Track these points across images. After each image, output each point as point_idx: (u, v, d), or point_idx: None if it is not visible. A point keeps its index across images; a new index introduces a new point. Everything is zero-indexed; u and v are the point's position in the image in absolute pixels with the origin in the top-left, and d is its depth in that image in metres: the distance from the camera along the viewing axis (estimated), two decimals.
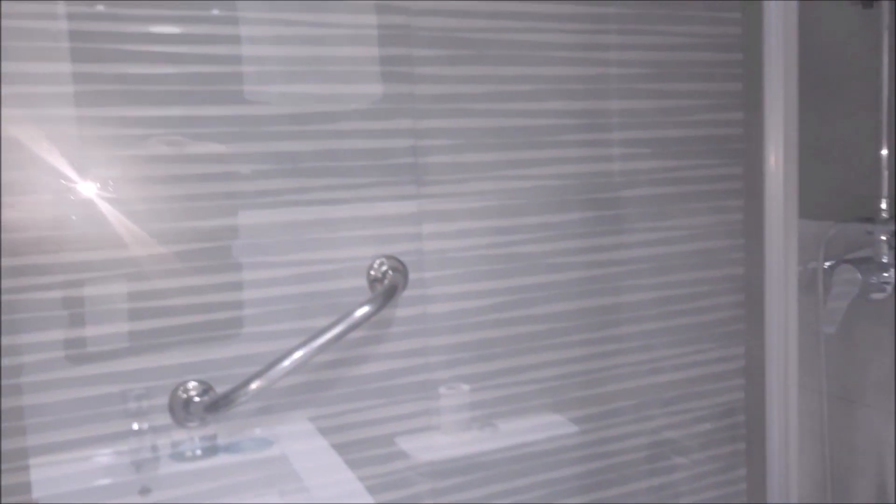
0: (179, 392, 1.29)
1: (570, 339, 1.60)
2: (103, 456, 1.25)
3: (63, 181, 1.19)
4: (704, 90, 1.66)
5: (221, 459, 1.31)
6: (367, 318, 1.28)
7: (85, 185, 1.20)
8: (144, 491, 1.26)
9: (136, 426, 1.26)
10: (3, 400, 1.18)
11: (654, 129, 1.62)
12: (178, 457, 1.30)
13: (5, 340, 1.18)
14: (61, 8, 1.16)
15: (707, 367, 1.77)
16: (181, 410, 1.28)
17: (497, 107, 1.47)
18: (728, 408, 1.81)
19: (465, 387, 1.51)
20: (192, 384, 1.30)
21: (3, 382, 1.18)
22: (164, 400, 1.28)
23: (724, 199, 1.72)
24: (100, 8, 1.18)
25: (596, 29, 1.54)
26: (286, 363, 1.22)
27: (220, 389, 1.30)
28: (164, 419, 1.28)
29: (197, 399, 1.29)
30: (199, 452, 1.31)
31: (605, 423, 1.66)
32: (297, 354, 1.21)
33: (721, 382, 1.79)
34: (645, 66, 1.60)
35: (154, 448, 1.27)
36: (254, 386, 1.20)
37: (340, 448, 1.40)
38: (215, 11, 1.25)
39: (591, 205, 1.58)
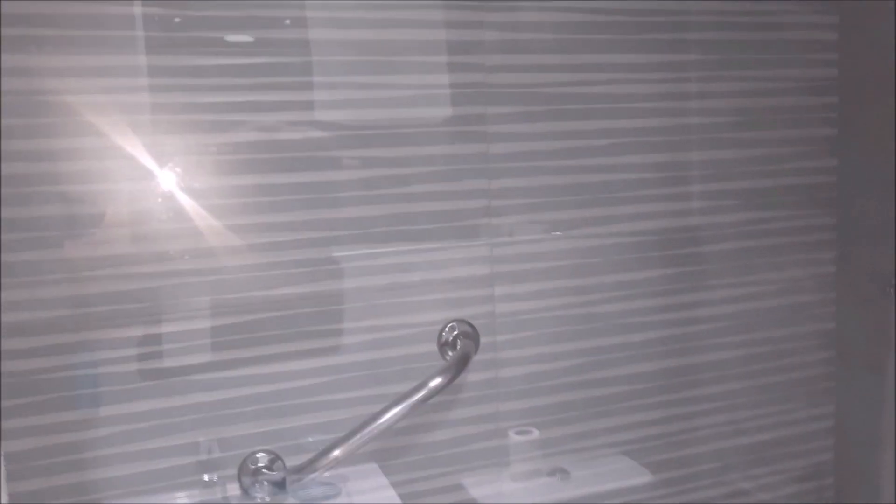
0: (248, 463, 1.27)
1: (649, 402, 1.53)
2: None
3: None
4: (794, 137, 1.56)
5: None
6: (439, 389, 1.23)
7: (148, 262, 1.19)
8: None
9: (206, 498, 1.25)
10: (85, 472, 1.19)
11: (740, 180, 1.53)
12: None
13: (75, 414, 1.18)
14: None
15: (794, 428, 1.67)
16: (249, 481, 1.26)
17: (573, 163, 1.41)
18: (815, 470, 1.70)
19: (539, 452, 1.45)
20: (260, 455, 1.27)
21: (87, 453, 1.19)
22: (232, 471, 1.26)
23: (816, 252, 1.61)
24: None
25: (677, 77, 1.46)
26: (352, 442, 1.19)
27: (290, 459, 1.28)
28: (234, 489, 1.27)
29: (265, 471, 1.27)
30: None
31: (686, 486, 1.58)
32: (360, 436, 1.18)
33: (809, 443, 1.68)
34: (729, 115, 1.51)
35: None
36: (316, 471, 1.18)
37: None
38: (289, 85, 1.23)
39: (671, 261, 1.50)
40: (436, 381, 1.23)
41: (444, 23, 1.30)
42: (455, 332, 1.36)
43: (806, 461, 1.69)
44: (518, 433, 1.44)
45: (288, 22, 1.22)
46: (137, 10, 1.15)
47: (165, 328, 1.21)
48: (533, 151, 1.38)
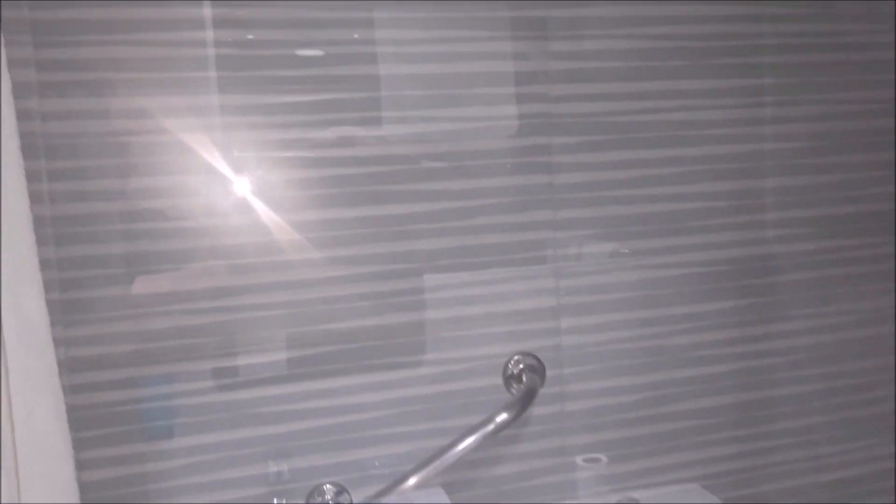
0: (315, 495, 1.27)
1: (721, 436, 1.47)
2: None
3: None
4: (874, 161, 1.50)
5: None
6: (507, 424, 1.22)
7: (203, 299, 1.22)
8: None
9: None
10: None
11: (817, 207, 1.47)
12: None
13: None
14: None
15: (877, 464, 1.59)
16: None
17: (641, 192, 1.38)
18: None
19: (607, 488, 1.42)
20: (327, 486, 1.28)
21: None
22: (300, 501, 1.27)
23: None
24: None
25: (751, 103, 1.41)
26: (418, 475, 1.18)
27: (355, 491, 1.28)
28: None
29: (332, 503, 1.27)
30: None
31: None
32: (423, 473, 1.17)
33: (892, 480, 1.60)
34: (805, 139, 1.45)
35: None
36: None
37: None
38: (357, 120, 1.24)
39: (744, 292, 1.45)
40: (503, 416, 1.22)
41: (509, 54, 1.30)
42: (521, 366, 1.35)
43: (890, 499, 1.60)
44: (586, 461, 1.41)
45: (356, 57, 1.23)
46: (210, 52, 1.18)
47: (234, 361, 1.23)
48: (599, 181, 1.36)
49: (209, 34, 1.18)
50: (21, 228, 0.84)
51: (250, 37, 1.19)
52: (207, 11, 1.17)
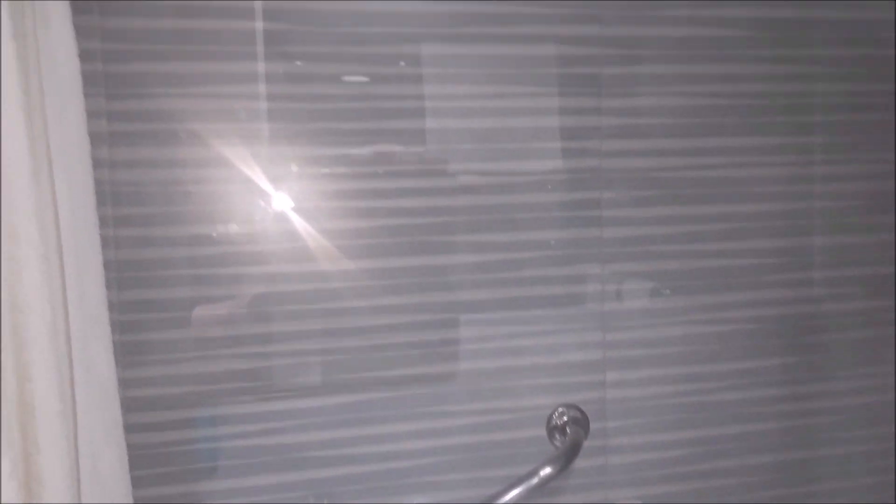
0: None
1: (765, 495, 1.46)
2: None
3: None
4: None
5: None
6: (550, 479, 1.22)
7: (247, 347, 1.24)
8: None
9: None
10: None
11: (866, 266, 1.46)
12: None
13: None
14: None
15: None
16: None
17: (689, 248, 1.38)
18: None
19: None
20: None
21: None
22: None
23: None
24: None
25: (801, 161, 1.41)
26: None
27: None
28: None
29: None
30: None
31: None
32: None
33: None
34: (857, 198, 1.44)
35: None
36: None
37: None
38: (407, 172, 1.27)
39: (792, 350, 1.44)
40: (547, 470, 1.22)
41: (561, 109, 1.31)
42: (565, 418, 1.35)
43: None
44: None
45: (407, 113, 1.26)
46: (263, 105, 1.21)
47: (283, 405, 1.25)
48: (648, 236, 1.36)
49: (262, 87, 1.21)
50: (94, 284, 0.87)
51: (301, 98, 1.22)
52: (261, 66, 1.21)
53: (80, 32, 1.10)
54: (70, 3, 1.03)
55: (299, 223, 1.24)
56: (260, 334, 1.24)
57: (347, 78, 1.23)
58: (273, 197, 1.23)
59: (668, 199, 1.37)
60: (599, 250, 1.35)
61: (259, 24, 1.20)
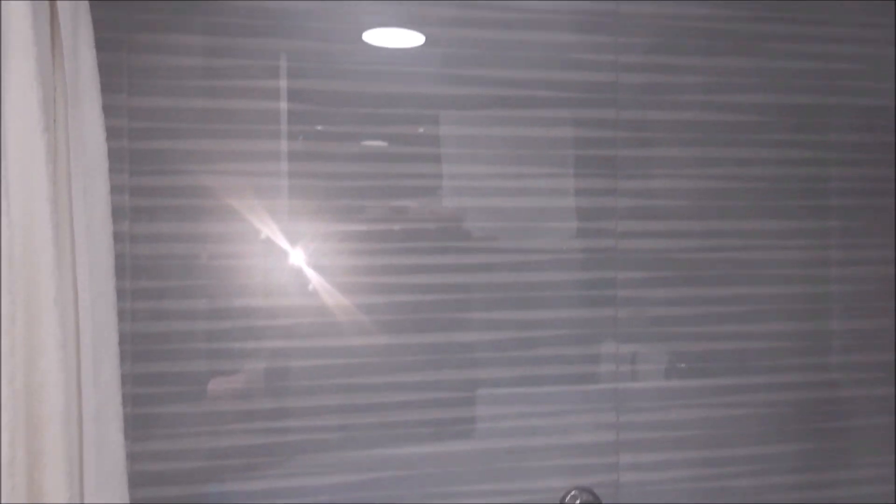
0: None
1: None
2: None
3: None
4: None
5: None
6: None
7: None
8: None
9: None
10: None
11: (885, 351, 1.44)
12: None
13: None
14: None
15: None
16: None
17: (706, 329, 1.37)
18: None
19: None
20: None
21: None
22: None
23: None
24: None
25: (818, 244, 1.41)
26: None
27: None
28: None
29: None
30: None
31: None
32: None
33: None
34: (874, 282, 1.44)
35: None
36: None
37: None
38: (424, 249, 1.27)
39: (809, 435, 1.41)
40: None
41: (578, 190, 1.32)
42: (578, 501, 1.32)
43: None
44: None
45: (425, 191, 1.28)
46: (284, 182, 1.23)
47: (294, 482, 1.24)
48: (663, 317, 1.36)
49: (284, 166, 1.23)
50: (109, 364, 0.87)
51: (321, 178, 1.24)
52: (284, 144, 1.23)
53: (109, 111, 1.13)
54: (101, 83, 1.06)
55: (316, 298, 1.24)
56: (273, 409, 1.23)
57: (367, 149, 1.25)
58: (291, 271, 1.23)
59: (684, 280, 1.36)
60: (615, 330, 1.34)
61: (283, 105, 1.22)
